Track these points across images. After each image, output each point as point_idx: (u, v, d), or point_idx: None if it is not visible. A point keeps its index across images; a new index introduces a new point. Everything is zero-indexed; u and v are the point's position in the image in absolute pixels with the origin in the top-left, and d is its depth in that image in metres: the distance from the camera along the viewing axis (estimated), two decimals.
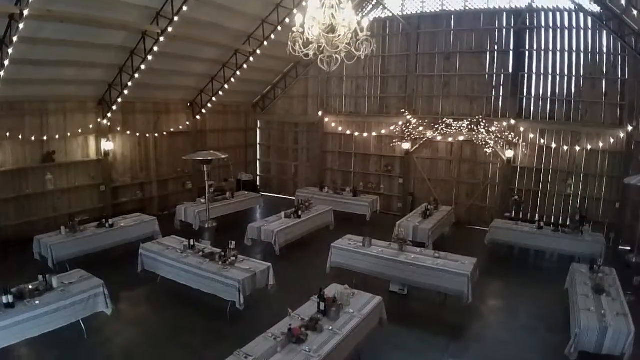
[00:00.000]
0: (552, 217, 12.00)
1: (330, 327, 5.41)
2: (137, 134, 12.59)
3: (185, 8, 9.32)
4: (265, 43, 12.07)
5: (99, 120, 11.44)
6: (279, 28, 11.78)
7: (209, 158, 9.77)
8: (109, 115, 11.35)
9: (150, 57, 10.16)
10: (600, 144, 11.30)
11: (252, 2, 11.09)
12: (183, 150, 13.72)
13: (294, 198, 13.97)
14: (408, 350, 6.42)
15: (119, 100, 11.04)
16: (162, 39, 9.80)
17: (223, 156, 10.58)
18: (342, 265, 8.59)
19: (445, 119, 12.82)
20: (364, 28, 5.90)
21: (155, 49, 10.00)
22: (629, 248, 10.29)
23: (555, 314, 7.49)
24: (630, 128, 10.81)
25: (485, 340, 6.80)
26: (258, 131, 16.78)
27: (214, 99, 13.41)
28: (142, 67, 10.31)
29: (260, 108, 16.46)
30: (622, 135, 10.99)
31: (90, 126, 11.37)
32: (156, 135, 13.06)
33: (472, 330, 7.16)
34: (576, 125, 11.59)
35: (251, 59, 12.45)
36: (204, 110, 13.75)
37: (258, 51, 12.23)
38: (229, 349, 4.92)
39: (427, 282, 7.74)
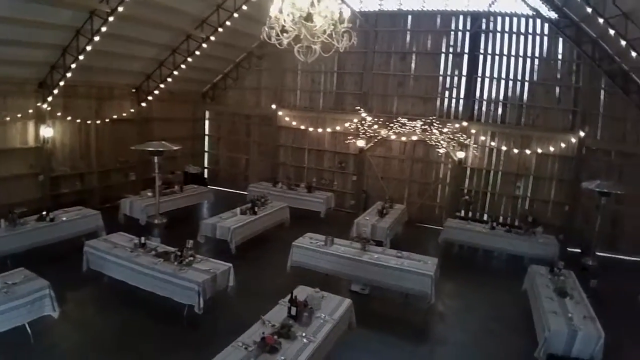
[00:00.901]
0: (501, 218, 12.40)
1: (304, 334, 5.14)
2: (78, 120, 11.53)
3: None
4: (220, 29, 11.46)
5: (38, 104, 10.32)
6: (235, 15, 11.23)
7: (161, 149, 9.08)
8: (50, 99, 10.25)
9: (97, 38, 9.30)
10: (552, 148, 11.85)
11: None
12: (127, 139, 12.72)
13: (246, 193, 13.48)
14: (373, 354, 6.30)
15: (61, 83, 10.01)
16: (111, 18, 8.96)
17: (175, 147, 9.93)
18: (303, 265, 8.36)
19: (399, 118, 12.92)
20: (345, 20, 5.71)
21: (104, 29, 9.15)
22: (579, 250, 10.77)
23: (516, 316, 7.70)
24: (582, 134, 11.43)
25: (450, 343, 6.83)
26: (207, 122, 16.02)
27: (161, 85, 12.57)
28: (88, 48, 9.42)
29: (209, 98, 15.73)
30: (573, 140, 11.59)
31: (30, 111, 10.26)
32: (98, 122, 12.02)
33: (436, 332, 7.23)
34: (527, 129, 12.10)
35: (204, 45, 11.77)
36: (150, 97, 12.84)
37: (212, 37, 11.59)
38: (189, 357, 4.53)
39: (391, 282, 7.71)
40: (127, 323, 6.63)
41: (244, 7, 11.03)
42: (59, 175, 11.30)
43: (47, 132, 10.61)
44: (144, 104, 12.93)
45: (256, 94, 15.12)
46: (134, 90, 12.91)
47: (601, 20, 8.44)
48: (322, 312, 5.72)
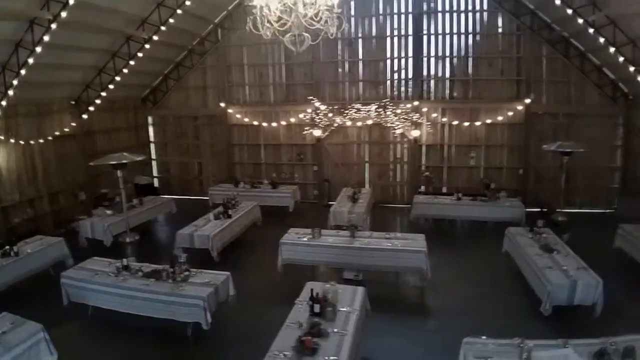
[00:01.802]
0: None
1: (335, 330, 5.06)
2: (22, 142, 10.38)
3: None
4: (163, 28, 10.79)
5: None
6: (179, 11, 10.62)
7: (124, 161, 8.43)
8: None
9: (39, 49, 8.40)
10: (500, 118, 12.58)
11: None
12: (72, 157, 11.89)
13: (206, 198, 12.99)
14: (390, 334, 6.40)
15: (3, 103, 8.91)
16: (54, 26, 8.13)
17: (138, 158, 9.26)
18: (294, 261, 8.26)
19: (353, 104, 13.04)
20: (335, 5, 5.66)
21: (46, 38, 8.28)
22: (538, 209, 11.56)
23: (505, 277, 8.20)
24: (528, 101, 12.25)
25: (453, 312, 7.04)
26: (150, 128, 15.08)
27: (103, 93, 11.60)
28: (30, 61, 8.48)
29: (151, 102, 14.78)
30: (520, 108, 12.37)
31: None
32: (41, 141, 10.88)
33: (437, 304, 7.43)
34: (475, 102, 12.72)
35: (147, 46, 11.03)
36: (91, 108, 11.82)
37: (155, 37, 10.88)
38: None
39: (385, 264, 7.86)
40: (131, 354, 6.17)
41: (187, 2, 10.44)
42: (8, 205, 10.16)
43: None
44: (85, 116, 11.87)
45: (201, 93, 14.45)
46: (73, 103, 11.83)
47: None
48: (340, 305, 5.68)
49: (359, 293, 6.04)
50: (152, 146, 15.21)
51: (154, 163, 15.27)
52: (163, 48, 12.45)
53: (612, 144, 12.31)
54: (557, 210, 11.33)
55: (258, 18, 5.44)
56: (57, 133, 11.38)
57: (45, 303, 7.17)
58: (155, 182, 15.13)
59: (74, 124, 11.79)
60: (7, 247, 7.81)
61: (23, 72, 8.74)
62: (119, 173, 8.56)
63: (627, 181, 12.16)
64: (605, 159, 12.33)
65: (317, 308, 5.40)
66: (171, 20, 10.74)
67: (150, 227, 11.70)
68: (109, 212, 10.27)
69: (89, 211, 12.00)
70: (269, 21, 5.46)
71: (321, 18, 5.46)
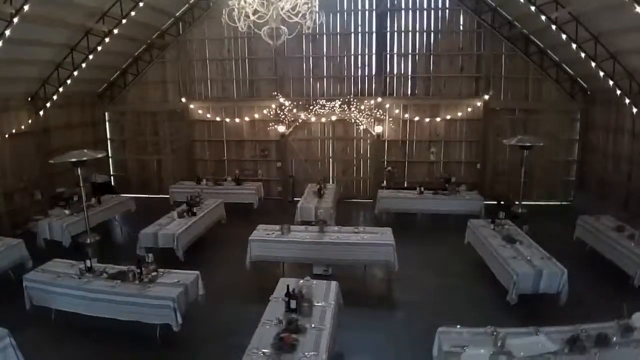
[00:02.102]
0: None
1: (312, 325, 5.09)
2: None
3: None
4: (124, 21, 10.39)
5: None
6: (141, 4, 10.26)
7: (84, 158, 8.06)
8: None
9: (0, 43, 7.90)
10: (459, 114, 13.00)
11: None
12: (27, 155, 11.31)
13: (167, 196, 12.66)
14: (362, 328, 6.49)
15: None
16: (16, 20, 7.69)
17: (100, 155, 8.88)
18: (263, 258, 8.24)
19: (318, 100, 13.08)
20: None
21: (7, 32, 7.81)
22: (495, 202, 11.70)
23: (469, 268, 8.51)
24: (486, 97, 12.73)
25: (424, 304, 7.20)
26: (107, 124, 14.49)
27: (60, 89, 11.05)
28: None
29: (108, 98, 14.18)
30: (479, 104, 12.84)
31: None
32: None
33: (404, 296, 7.63)
34: (436, 99, 13.09)
35: (107, 39, 10.59)
36: (48, 104, 11.24)
37: (115, 30, 10.46)
38: None
39: (354, 258, 8.00)
40: (99, 359, 5.95)
41: None
42: None
43: None
44: (41, 113, 11.29)
45: (161, 88, 14.02)
46: (29, 99, 11.22)
47: None
48: (316, 300, 5.71)
49: (332, 287, 6.11)
50: (109, 143, 14.63)
51: (110, 161, 14.69)
52: (121, 42, 11.95)
53: (570, 138, 12.97)
54: (515, 202, 11.78)
55: (235, 10, 5.33)
56: (13, 130, 10.81)
57: (8, 308, 6.76)
58: (112, 181, 14.56)
59: (30, 121, 11.21)
60: None
61: None
62: (79, 171, 8.15)
63: (584, 174, 12.89)
64: (562, 153, 13.01)
65: (293, 304, 5.40)
66: (132, 13, 10.36)
67: (110, 227, 11.30)
68: (67, 211, 9.83)
69: (45, 211, 11.44)
70: (246, 14, 5.40)
71: (299, 12, 5.44)
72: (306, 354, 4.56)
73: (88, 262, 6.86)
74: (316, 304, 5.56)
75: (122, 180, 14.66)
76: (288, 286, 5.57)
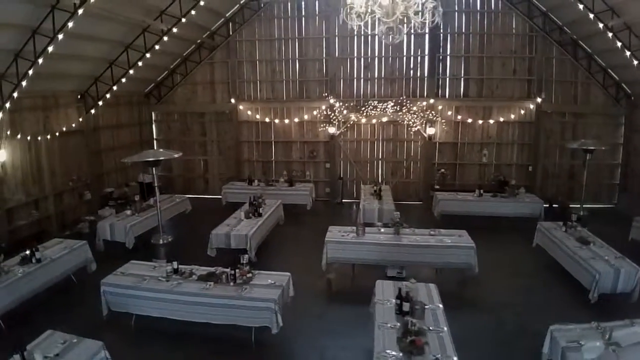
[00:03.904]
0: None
1: (431, 327, 4.94)
2: (28, 138, 9.63)
3: None
4: (184, 20, 10.30)
5: None
6: (202, 2, 10.16)
7: (160, 158, 7.93)
8: (0, 115, 8.34)
9: (60, 37, 7.77)
10: (512, 116, 12.84)
11: None
12: (77, 154, 11.24)
13: (215, 197, 12.57)
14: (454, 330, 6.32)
15: (15, 94, 8.20)
16: (80, 11, 7.52)
17: (176, 155, 8.74)
18: (339, 260, 8.11)
19: (371, 101, 12.92)
20: None
21: (70, 24, 7.66)
22: (547, 205, 11.75)
23: (542, 269, 8.43)
24: (539, 100, 12.56)
25: (508, 304, 7.09)
26: (154, 124, 14.42)
27: (114, 87, 10.96)
28: (50, 49, 7.84)
29: (155, 98, 14.12)
30: (531, 106, 12.68)
31: None
32: (48, 137, 10.14)
33: (483, 297, 7.45)
34: (488, 101, 12.89)
35: (165, 38, 10.50)
36: (100, 103, 11.15)
37: (175, 29, 10.36)
38: None
39: (433, 260, 7.89)
40: None
41: None
42: (13, 206, 9.40)
43: (0, 156, 8.73)
44: (93, 111, 11.19)
45: (210, 89, 13.94)
46: (79, 97, 11.11)
47: None
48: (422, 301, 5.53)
49: (432, 289, 5.97)
50: (155, 143, 14.53)
51: None
52: (172, 41, 11.86)
53: (614, 142, 12.76)
54: (569, 205, 11.67)
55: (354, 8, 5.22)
56: (63, 128, 10.69)
57: (82, 315, 6.59)
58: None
59: (80, 120, 11.11)
60: (28, 252, 7.10)
61: (40, 61, 8.10)
62: (153, 170, 8.03)
63: (627, 178, 12.71)
64: (607, 157, 12.76)
65: (406, 307, 5.27)
66: (193, 12, 10.26)
67: (173, 226, 11.09)
68: (128, 212, 9.68)
69: (94, 211, 11.40)
70: (359, 14, 5.30)
71: (419, 11, 5.30)
72: (437, 356, 4.43)
73: (174, 264, 6.70)
74: (425, 307, 5.40)
75: (167, 180, 14.54)
76: (400, 289, 5.44)
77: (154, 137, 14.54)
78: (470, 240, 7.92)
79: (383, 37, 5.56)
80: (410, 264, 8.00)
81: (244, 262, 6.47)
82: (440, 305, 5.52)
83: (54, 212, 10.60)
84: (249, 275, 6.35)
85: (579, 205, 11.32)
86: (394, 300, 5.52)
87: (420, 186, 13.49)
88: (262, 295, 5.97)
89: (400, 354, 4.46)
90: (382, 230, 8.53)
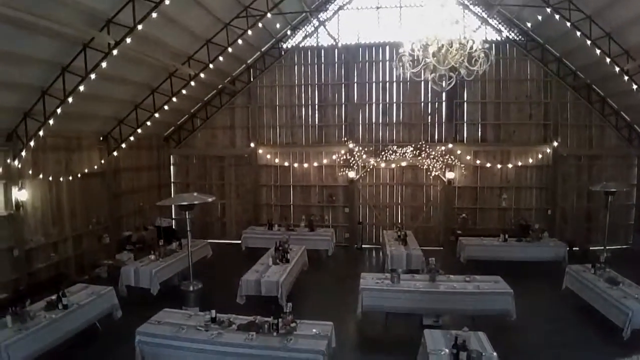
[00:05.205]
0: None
1: None
2: (50, 178, 9.56)
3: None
4: (211, 66, 10.52)
5: (8, 161, 8.34)
6: (230, 49, 10.42)
7: (195, 202, 7.83)
8: (23, 154, 8.30)
9: (93, 76, 7.84)
10: (529, 160, 12.96)
11: (200, 17, 9.53)
12: (97, 196, 11.10)
13: (231, 241, 12.38)
14: None
15: (41, 133, 8.19)
16: (115, 52, 7.63)
17: (210, 199, 8.66)
18: (374, 308, 7.84)
19: (390, 146, 13.05)
20: (479, 42, 5.62)
21: (104, 64, 7.76)
22: (568, 248, 11.50)
23: (573, 311, 8.43)
24: (555, 144, 12.74)
25: (546, 347, 7.06)
26: (172, 168, 14.41)
27: (139, 130, 11.04)
28: (81, 88, 7.89)
29: (174, 141, 14.21)
30: (548, 150, 12.84)
31: (0, 170, 8.23)
32: (70, 178, 10.08)
33: (520, 344, 7.20)
34: (506, 145, 13.05)
35: (192, 83, 10.67)
36: (123, 145, 11.19)
37: (202, 74, 10.56)
38: None
39: (470, 307, 7.66)
40: None
41: (240, 42, 10.27)
42: (32, 247, 9.18)
43: (20, 195, 8.62)
44: (115, 153, 11.20)
45: (229, 133, 14.08)
46: (101, 139, 11.16)
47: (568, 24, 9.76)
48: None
49: (482, 337, 5.78)
50: (172, 186, 14.48)
51: (173, 205, 14.41)
52: (195, 86, 12.04)
53: (628, 183, 12.81)
54: (589, 248, 11.76)
55: (407, 56, 5.33)
56: (85, 170, 10.66)
57: None
58: (173, 225, 14.26)
59: (102, 161, 11.10)
60: (54, 297, 6.84)
61: (70, 100, 8.16)
62: (187, 214, 7.91)
63: None
64: (622, 198, 12.76)
65: (463, 356, 5.10)
66: (221, 59, 10.50)
67: (195, 273, 10.79)
68: (152, 257, 9.46)
69: (112, 255, 11.17)
70: (414, 60, 5.40)
71: (474, 57, 5.40)
72: None
73: (212, 312, 6.45)
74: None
75: (183, 224, 14.30)
76: (457, 338, 5.25)
77: (172, 180, 14.49)
78: (507, 286, 7.77)
79: (434, 85, 5.59)
80: (445, 311, 7.79)
81: (287, 310, 6.23)
82: (495, 353, 5.34)
83: (73, 255, 10.38)
84: (293, 324, 6.11)
85: (599, 247, 11.15)
86: (446, 350, 5.36)
87: (440, 231, 13.38)
88: (309, 346, 5.72)
89: None
90: (416, 277, 8.35)
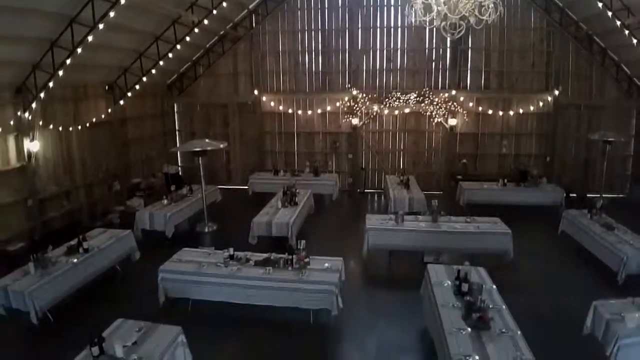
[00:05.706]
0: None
1: (491, 305, 5.20)
2: (60, 128, 9.73)
3: None
4: (214, 12, 10.40)
5: (19, 113, 8.46)
6: None
7: (208, 147, 8.09)
8: (34, 106, 8.42)
9: (101, 26, 7.83)
10: (531, 108, 13.12)
11: None
12: (105, 145, 11.33)
13: (238, 187, 12.75)
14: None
15: (51, 84, 8.27)
16: (123, 1, 7.59)
17: (222, 145, 8.89)
18: (379, 246, 8.36)
19: (394, 92, 13.12)
20: None
21: (112, 14, 7.73)
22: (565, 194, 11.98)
23: (569, 254, 8.84)
24: (556, 92, 12.86)
25: (543, 287, 7.51)
26: (176, 116, 14.51)
27: (144, 79, 11.07)
28: (90, 39, 7.90)
29: (177, 89, 14.20)
30: (549, 99, 12.98)
31: (11, 122, 8.38)
32: (79, 128, 10.24)
33: (519, 280, 7.62)
34: (508, 93, 13.15)
35: (196, 30, 10.60)
36: (129, 94, 11.25)
37: (205, 21, 10.46)
38: None
39: (470, 246, 8.11)
40: (250, 348, 5.88)
41: None
42: (45, 197, 9.51)
43: (32, 146, 8.84)
44: (122, 102, 11.28)
45: (232, 81, 14.04)
46: (107, 88, 11.19)
47: None
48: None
49: (482, 272, 6.20)
50: (177, 134, 14.65)
51: (178, 152, 14.66)
52: (197, 33, 11.93)
53: (627, 134, 13.02)
54: (587, 194, 12.20)
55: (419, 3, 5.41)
56: (93, 119, 10.78)
57: (136, 304, 6.68)
58: (180, 172, 14.55)
59: (110, 111, 11.20)
60: (74, 242, 7.18)
61: (79, 50, 8.17)
62: (200, 160, 8.19)
63: (639, 169, 13.07)
64: (620, 148, 13.02)
65: (465, 287, 5.53)
66: (224, 4, 10.37)
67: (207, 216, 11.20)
68: (165, 202, 9.83)
69: (123, 202, 11.52)
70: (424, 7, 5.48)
71: (483, 6, 5.49)
72: (502, 330, 4.72)
73: (230, 250, 6.88)
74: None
75: (189, 171, 14.63)
76: (459, 271, 5.70)
77: (177, 128, 14.64)
78: (506, 227, 8.22)
79: (444, 32, 5.71)
80: (448, 250, 8.25)
81: (301, 247, 6.67)
82: (494, 286, 5.79)
83: (85, 203, 10.74)
84: (307, 260, 6.57)
85: (596, 195, 11.60)
86: (449, 282, 5.82)
87: (441, 176, 13.75)
88: (323, 278, 6.21)
89: (469, 330, 4.73)
90: (420, 218, 8.79)
